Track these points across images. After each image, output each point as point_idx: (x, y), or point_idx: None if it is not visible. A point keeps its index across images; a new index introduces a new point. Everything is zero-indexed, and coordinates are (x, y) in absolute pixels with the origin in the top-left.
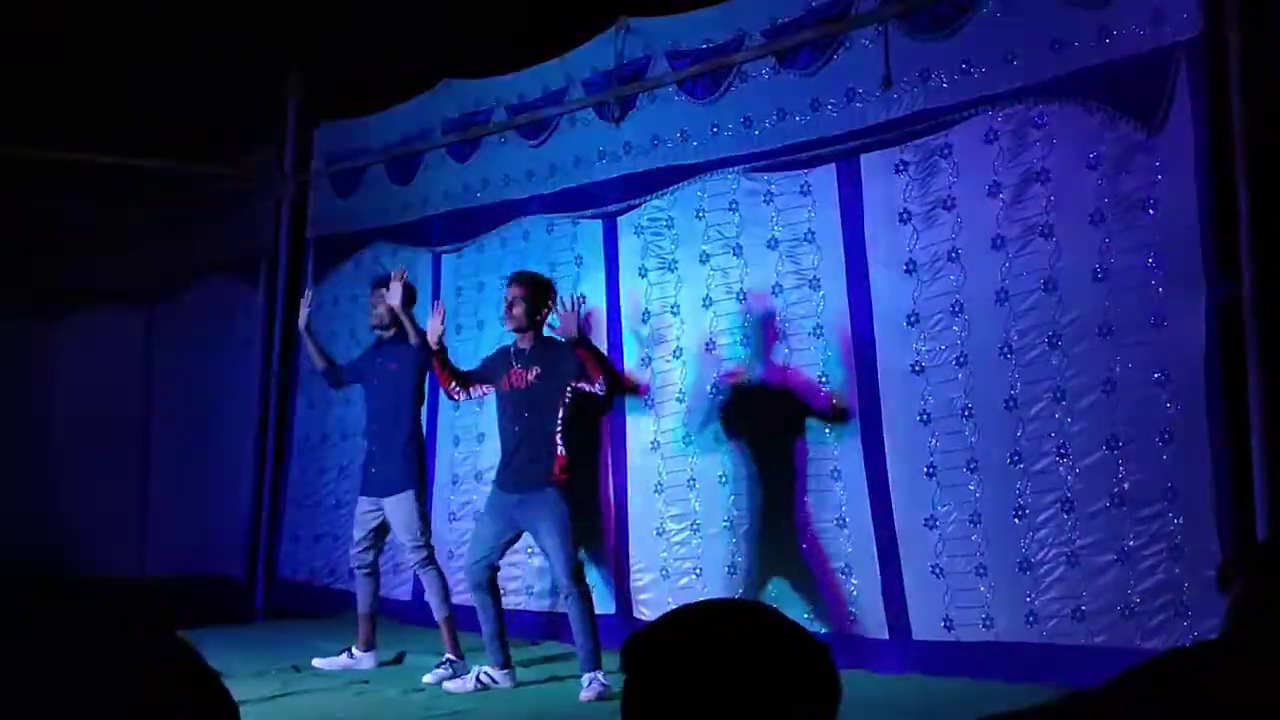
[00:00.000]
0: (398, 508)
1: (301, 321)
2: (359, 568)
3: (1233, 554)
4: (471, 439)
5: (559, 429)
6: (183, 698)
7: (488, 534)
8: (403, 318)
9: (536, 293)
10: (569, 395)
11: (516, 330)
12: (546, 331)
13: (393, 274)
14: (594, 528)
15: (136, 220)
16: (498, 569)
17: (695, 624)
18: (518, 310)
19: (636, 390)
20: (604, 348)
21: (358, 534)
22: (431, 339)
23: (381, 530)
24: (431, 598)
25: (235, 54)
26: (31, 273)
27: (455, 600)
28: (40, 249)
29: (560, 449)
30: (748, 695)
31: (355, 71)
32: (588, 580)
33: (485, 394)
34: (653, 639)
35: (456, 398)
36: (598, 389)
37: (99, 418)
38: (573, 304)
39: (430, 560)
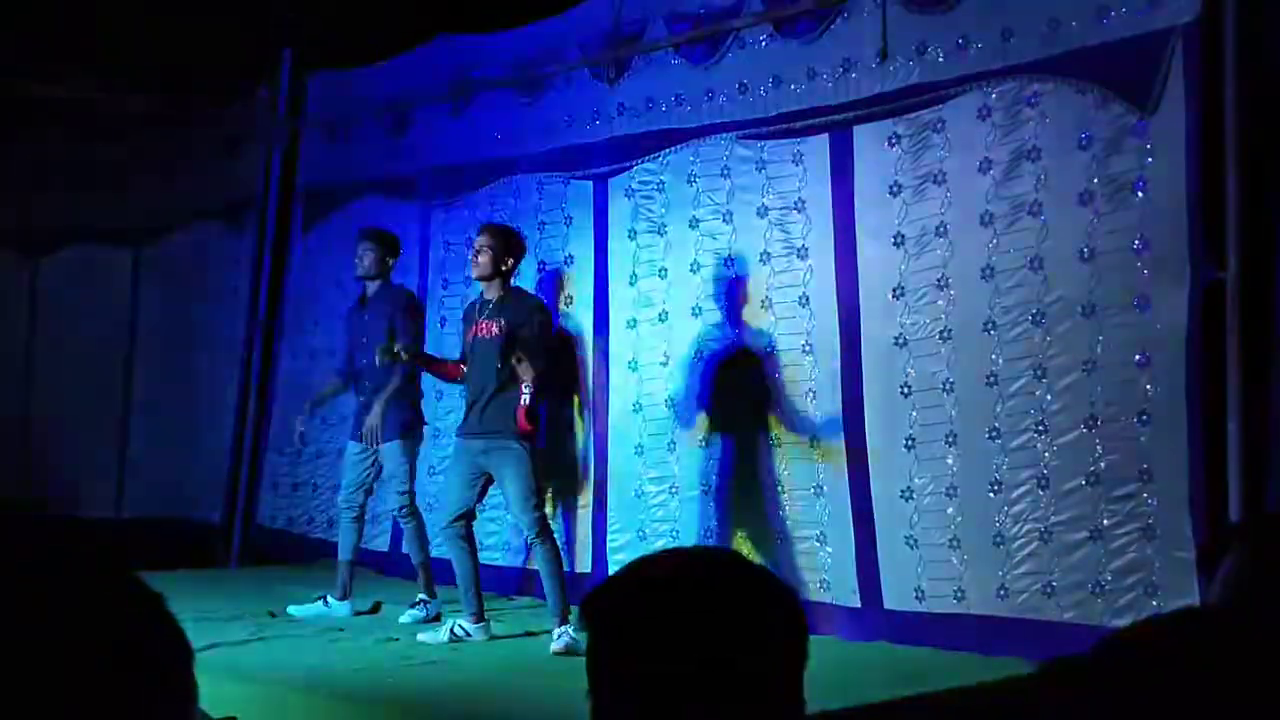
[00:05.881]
0: (388, 456)
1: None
2: (347, 509)
3: (1218, 533)
4: (455, 394)
5: (525, 379)
6: (126, 621)
7: (457, 485)
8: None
9: (504, 243)
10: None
11: (480, 278)
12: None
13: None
14: (573, 486)
15: (126, 160)
16: (474, 517)
17: (656, 577)
18: (483, 258)
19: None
20: (590, 308)
21: (350, 476)
22: (406, 355)
23: (374, 474)
24: (410, 544)
25: None
26: (16, 209)
27: (432, 553)
28: (26, 185)
29: (525, 399)
30: (710, 648)
31: (351, 21)
32: (556, 535)
33: None
34: (613, 594)
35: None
36: (524, 390)
37: (82, 357)
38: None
39: (411, 509)
